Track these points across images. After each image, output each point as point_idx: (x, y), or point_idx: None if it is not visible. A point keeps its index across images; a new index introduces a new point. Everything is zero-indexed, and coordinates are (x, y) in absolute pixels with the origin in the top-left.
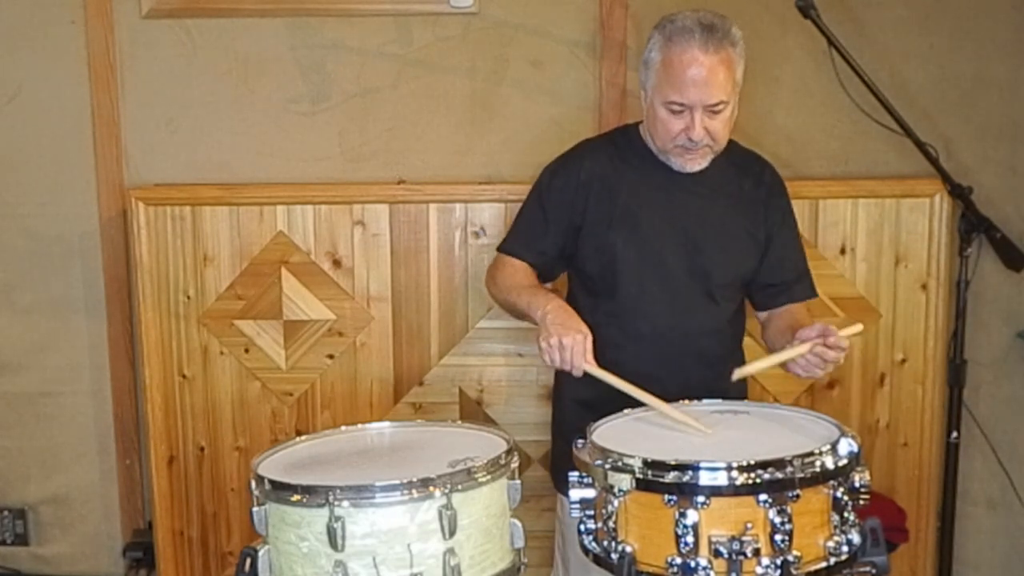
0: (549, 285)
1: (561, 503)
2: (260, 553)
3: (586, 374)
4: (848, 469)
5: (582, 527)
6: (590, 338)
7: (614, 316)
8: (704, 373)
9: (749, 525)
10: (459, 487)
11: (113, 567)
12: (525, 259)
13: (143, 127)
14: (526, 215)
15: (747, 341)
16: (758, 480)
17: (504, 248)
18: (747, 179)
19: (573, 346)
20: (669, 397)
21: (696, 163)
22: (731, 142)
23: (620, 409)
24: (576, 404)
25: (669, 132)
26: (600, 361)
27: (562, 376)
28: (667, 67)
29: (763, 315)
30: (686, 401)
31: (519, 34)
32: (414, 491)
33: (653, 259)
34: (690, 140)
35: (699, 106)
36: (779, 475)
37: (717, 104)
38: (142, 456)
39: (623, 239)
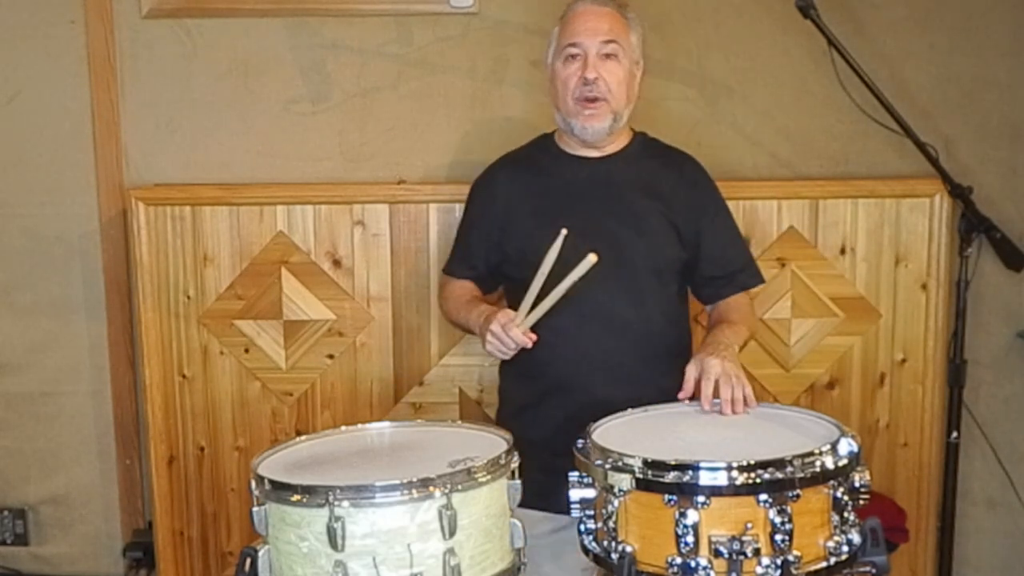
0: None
1: None
2: (260, 553)
3: (535, 337)
4: (848, 469)
5: (582, 527)
6: (505, 310)
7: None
8: (638, 366)
9: (749, 525)
10: (459, 487)
11: (113, 567)
12: (462, 276)
13: (143, 127)
14: (458, 234)
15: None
16: (758, 480)
17: (445, 268)
18: (667, 171)
19: (501, 325)
20: (600, 393)
21: (596, 120)
22: (655, 140)
23: (559, 404)
24: (520, 408)
25: (567, 86)
26: (532, 361)
27: (503, 384)
28: (563, 26)
29: (709, 309)
30: (687, 401)
31: (519, 34)
32: (414, 491)
33: (575, 256)
34: (585, 84)
35: (591, 45)
36: (779, 475)
37: (608, 42)
38: (142, 456)
39: (543, 239)
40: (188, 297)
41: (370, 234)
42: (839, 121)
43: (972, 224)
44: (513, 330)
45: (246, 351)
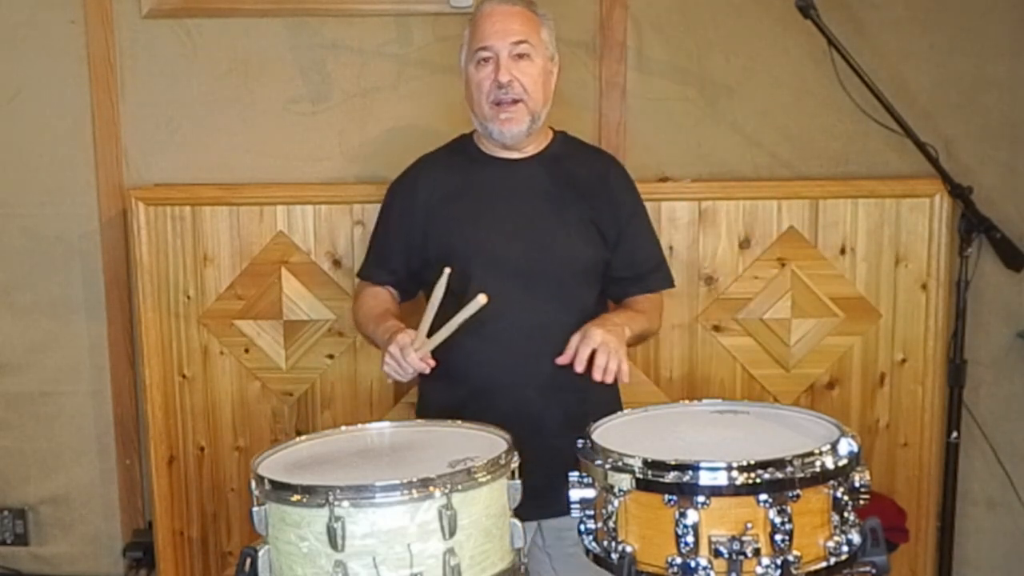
0: None
1: None
2: (260, 553)
3: (434, 363)
4: (848, 469)
5: (582, 527)
6: (406, 331)
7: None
8: (562, 369)
9: (749, 525)
10: (459, 487)
11: (113, 567)
12: (380, 280)
13: (143, 127)
14: (374, 237)
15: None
16: (758, 480)
17: (360, 273)
18: (589, 172)
19: (400, 348)
20: (524, 397)
21: (513, 124)
22: (575, 139)
23: (480, 409)
24: (440, 413)
25: (482, 90)
26: (454, 365)
27: (422, 388)
28: (472, 29)
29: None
30: (686, 400)
31: None
32: (414, 491)
33: (497, 258)
34: (500, 88)
35: (502, 48)
36: (779, 475)
37: (519, 43)
38: (142, 456)
39: (465, 243)
40: (188, 297)
41: (370, 234)
42: (839, 121)
43: (972, 224)
44: (411, 354)
45: (246, 351)
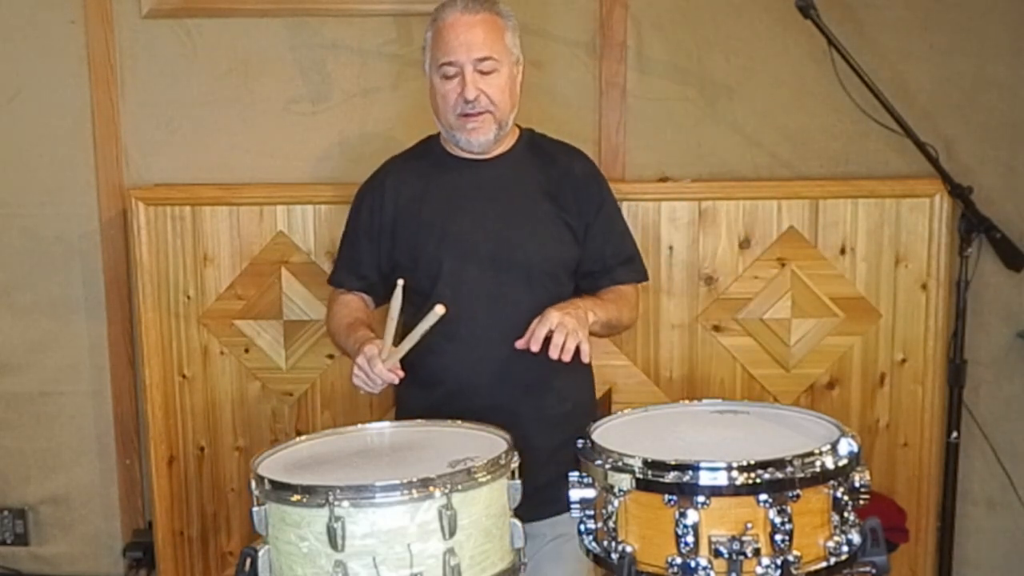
0: None
1: None
2: (260, 553)
3: (403, 373)
4: (848, 469)
5: (582, 527)
6: (373, 342)
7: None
8: (536, 369)
9: (749, 525)
10: (459, 487)
11: (113, 567)
12: (351, 287)
13: (143, 127)
14: (343, 243)
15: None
16: (758, 480)
17: (331, 280)
18: (554, 168)
19: (366, 361)
20: (499, 398)
21: (480, 133)
22: (542, 137)
23: (457, 412)
24: (418, 417)
25: (447, 101)
26: (428, 368)
27: (399, 393)
28: (435, 37)
29: None
30: (686, 400)
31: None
32: (414, 491)
33: (466, 259)
34: (466, 102)
35: (467, 62)
36: (779, 475)
37: (484, 60)
38: (142, 456)
39: (434, 245)
40: (188, 297)
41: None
42: (839, 121)
43: (972, 224)
44: (378, 365)
45: (246, 351)
